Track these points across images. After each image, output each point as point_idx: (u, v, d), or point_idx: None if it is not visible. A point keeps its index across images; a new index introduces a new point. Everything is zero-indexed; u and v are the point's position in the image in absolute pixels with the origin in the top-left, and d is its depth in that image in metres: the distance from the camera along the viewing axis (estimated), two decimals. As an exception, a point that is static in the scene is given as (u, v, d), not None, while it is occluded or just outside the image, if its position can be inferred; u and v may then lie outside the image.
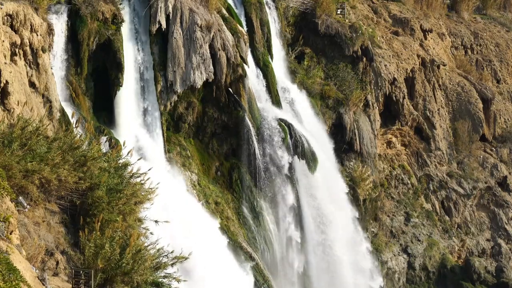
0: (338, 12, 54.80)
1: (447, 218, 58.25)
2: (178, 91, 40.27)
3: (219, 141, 43.11)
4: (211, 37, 40.92)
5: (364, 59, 53.00)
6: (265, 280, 40.41)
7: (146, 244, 21.69)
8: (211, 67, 40.78)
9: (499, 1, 78.25)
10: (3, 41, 29.04)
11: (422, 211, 57.04)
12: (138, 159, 25.96)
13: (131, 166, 24.50)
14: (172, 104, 40.59)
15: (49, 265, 19.83)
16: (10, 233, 17.37)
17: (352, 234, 48.55)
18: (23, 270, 16.12)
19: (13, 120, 26.01)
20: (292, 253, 44.74)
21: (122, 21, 38.09)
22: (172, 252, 22.05)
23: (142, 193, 23.64)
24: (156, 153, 38.80)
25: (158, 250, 21.82)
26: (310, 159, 44.68)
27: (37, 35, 31.62)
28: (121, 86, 37.62)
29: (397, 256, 53.60)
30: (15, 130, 21.87)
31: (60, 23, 35.37)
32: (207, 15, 41.29)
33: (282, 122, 44.23)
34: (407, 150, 58.86)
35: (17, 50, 30.47)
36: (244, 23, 45.99)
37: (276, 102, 45.98)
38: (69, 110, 33.91)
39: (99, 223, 20.82)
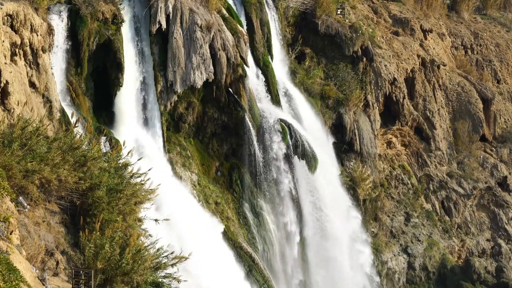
0: (338, 12, 54.78)
1: (447, 218, 58.22)
2: (178, 91, 40.26)
3: (219, 141, 43.10)
4: (211, 37, 40.91)
5: (364, 59, 52.98)
6: (265, 280, 40.39)
7: (146, 244, 21.70)
8: (211, 67, 40.77)
9: (499, 1, 78.24)
10: (3, 41, 29.01)
11: (422, 211, 57.01)
12: (138, 159, 25.95)
13: (131, 166, 24.51)
14: (172, 104, 40.58)
15: (49, 265, 19.83)
16: (10, 233, 17.37)
17: (352, 234, 48.58)
18: (23, 270, 16.12)
19: (13, 120, 25.99)
20: (292, 252, 44.72)
21: (122, 21, 38.05)
22: (172, 252, 22.05)
23: (142, 193, 23.64)
24: (156, 153, 38.78)
25: (158, 250, 21.82)
26: (310, 159, 44.67)
27: (37, 35, 31.58)
28: (121, 86, 37.59)
29: (397, 256, 53.57)
30: (15, 130, 21.87)
31: (60, 23, 35.33)
32: (207, 15, 41.28)
33: (282, 122, 44.21)
34: (407, 150, 58.84)
35: (17, 50, 30.44)
36: (244, 23, 45.97)
37: (276, 102, 45.97)
38: (69, 110, 33.89)
39: (99, 223, 20.82)
